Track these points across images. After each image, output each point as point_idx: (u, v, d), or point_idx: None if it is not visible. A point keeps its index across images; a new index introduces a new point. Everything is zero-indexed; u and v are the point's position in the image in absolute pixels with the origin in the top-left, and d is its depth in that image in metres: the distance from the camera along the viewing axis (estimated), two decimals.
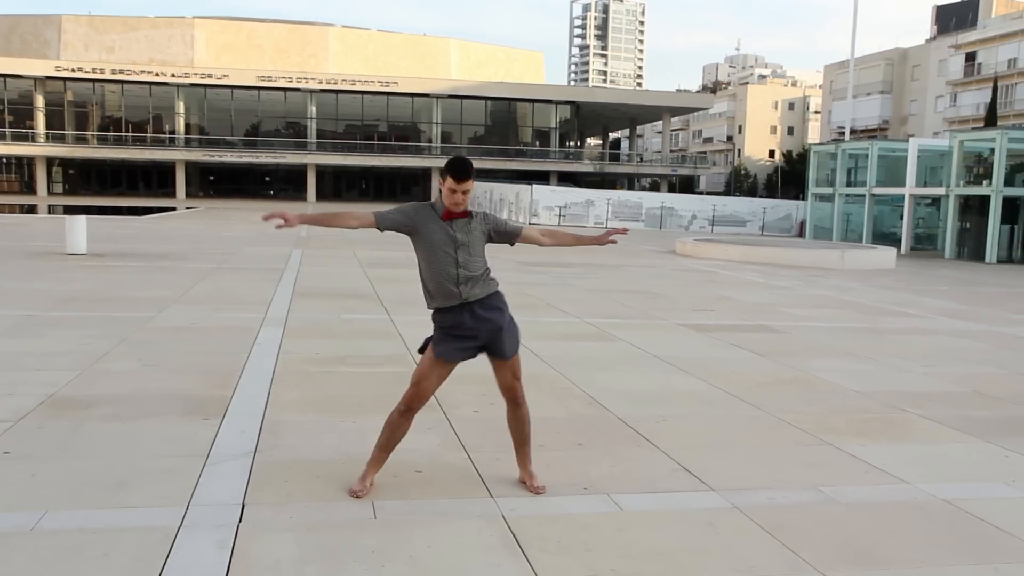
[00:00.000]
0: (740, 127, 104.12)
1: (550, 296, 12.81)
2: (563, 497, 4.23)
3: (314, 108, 62.72)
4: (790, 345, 9.27)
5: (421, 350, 4.25)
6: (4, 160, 64.45)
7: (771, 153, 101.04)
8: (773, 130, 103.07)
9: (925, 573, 3.57)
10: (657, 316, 11.14)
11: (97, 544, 3.50)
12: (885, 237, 34.43)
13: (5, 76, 59.15)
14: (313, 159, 61.67)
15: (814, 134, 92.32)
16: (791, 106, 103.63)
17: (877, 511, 4.27)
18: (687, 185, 73.70)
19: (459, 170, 4.00)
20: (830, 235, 36.25)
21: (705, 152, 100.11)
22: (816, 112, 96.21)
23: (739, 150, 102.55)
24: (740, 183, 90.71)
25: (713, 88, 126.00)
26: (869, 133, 63.89)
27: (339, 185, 67.26)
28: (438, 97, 63.50)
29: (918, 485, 4.67)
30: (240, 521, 3.75)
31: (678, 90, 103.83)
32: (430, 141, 64.89)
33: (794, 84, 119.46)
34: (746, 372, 7.64)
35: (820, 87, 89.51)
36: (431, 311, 4.22)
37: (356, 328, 9.17)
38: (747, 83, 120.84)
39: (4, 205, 45.21)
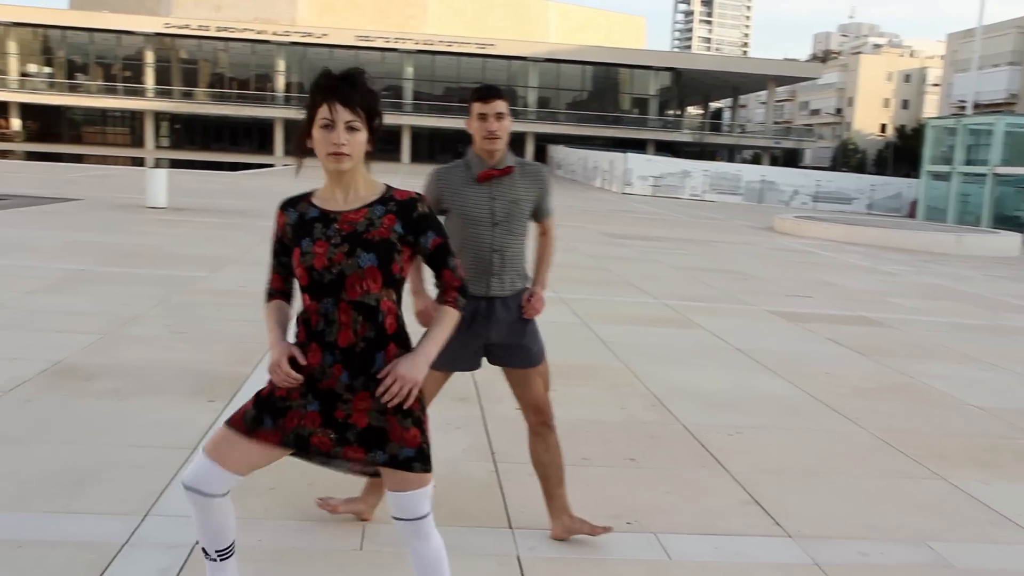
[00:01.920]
0: (850, 99, 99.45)
1: (631, 272, 11.90)
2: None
3: (411, 69, 62.51)
4: (896, 343, 8.16)
5: None
6: (117, 114, 66.69)
7: (883, 128, 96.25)
8: (886, 103, 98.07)
9: None
10: (745, 300, 10.12)
11: (14, 563, 2.89)
12: (1007, 221, 31.84)
13: (119, 32, 60.81)
14: (408, 120, 61.51)
15: (931, 108, 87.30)
16: (907, 78, 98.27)
17: None
18: (790, 159, 70.75)
19: (485, 89, 3.18)
20: (944, 217, 33.85)
21: (811, 125, 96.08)
22: (935, 84, 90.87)
23: (848, 123, 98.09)
24: (847, 158, 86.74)
25: (823, 58, 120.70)
26: (994, 108, 59.74)
27: (434, 147, 67.11)
28: (535, 60, 62.37)
29: None
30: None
31: (785, 59, 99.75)
32: (526, 105, 63.88)
33: (911, 54, 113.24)
34: (842, 374, 6.63)
35: (941, 57, 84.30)
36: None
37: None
38: (860, 53, 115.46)
39: (113, 157, 46.51)
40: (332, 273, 2.19)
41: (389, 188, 2.35)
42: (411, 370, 2.23)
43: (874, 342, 8.06)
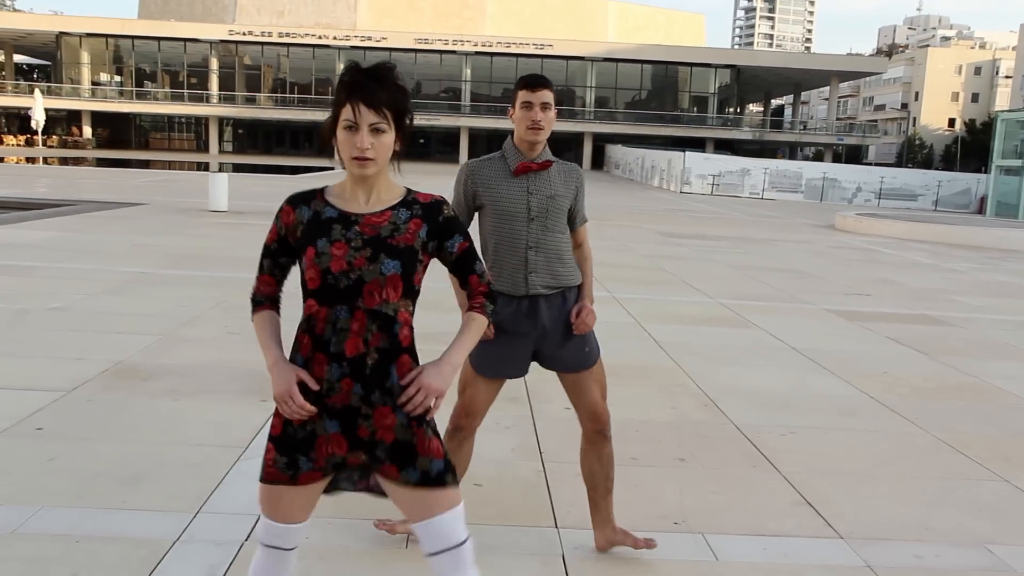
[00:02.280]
0: (916, 94, 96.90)
1: (687, 272, 11.77)
2: (644, 534, 3.38)
3: (469, 71, 62.83)
4: (960, 342, 7.93)
5: None
6: (183, 120, 68.45)
7: (951, 122, 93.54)
8: (955, 97, 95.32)
9: None
10: (803, 299, 9.93)
11: (72, 559, 2.98)
12: None
13: (185, 40, 62.35)
14: (466, 122, 61.84)
15: (1003, 101, 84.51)
16: (977, 70, 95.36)
17: None
18: (854, 155, 69.22)
19: (531, 77, 3.05)
20: (1016, 213, 32.76)
21: (876, 120, 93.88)
22: (1007, 77, 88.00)
23: (914, 118, 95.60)
24: (914, 154, 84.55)
25: (888, 52, 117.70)
26: None
27: (491, 148, 66.93)
28: (593, 60, 62.16)
29: None
30: (247, 539, 3.15)
31: (849, 54, 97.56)
32: (584, 105, 63.70)
33: (982, 46, 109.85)
34: (902, 374, 6.46)
35: (1013, 49, 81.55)
36: None
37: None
38: (927, 46, 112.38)
39: (180, 162, 47.78)
40: (350, 278, 2.01)
41: (410, 191, 2.16)
42: (437, 379, 2.06)
43: (937, 341, 7.83)
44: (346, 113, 2.00)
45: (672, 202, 30.35)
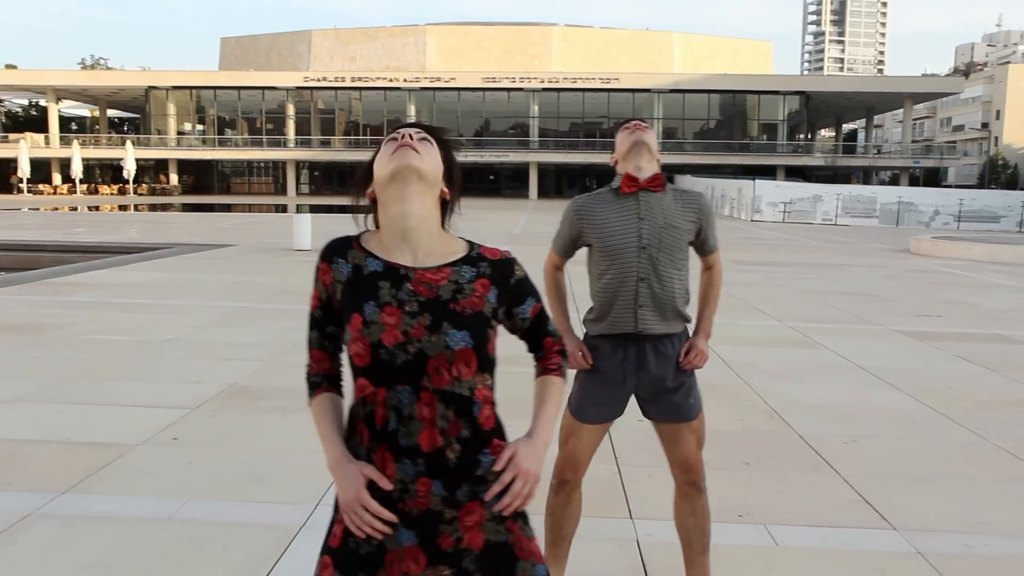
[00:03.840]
0: (998, 112, 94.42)
1: (756, 297, 12.02)
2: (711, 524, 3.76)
3: (536, 107, 63.88)
4: None
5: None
6: (262, 164, 71.13)
7: None
8: None
9: None
10: (872, 321, 10.10)
11: (221, 538, 3.52)
12: None
13: (264, 88, 65.03)
14: (535, 157, 62.78)
15: None
16: None
17: None
18: (931, 178, 67.76)
19: (631, 123, 2.88)
20: None
21: (954, 142, 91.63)
22: None
23: (996, 138, 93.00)
24: (996, 175, 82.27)
25: (965, 71, 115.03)
26: None
27: (560, 182, 68.15)
28: (659, 92, 62.56)
29: None
30: None
31: (924, 75, 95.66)
32: None
33: None
34: (967, 389, 6.66)
35: None
36: (585, 332, 2.98)
37: None
38: (1008, 63, 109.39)
39: (260, 204, 49.75)
40: (408, 352, 1.63)
41: (473, 244, 1.80)
42: (534, 463, 1.71)
43: (1006, 358, 7.96)
44: (387, 139, 1.77)
45: (742, 230, 30.38)
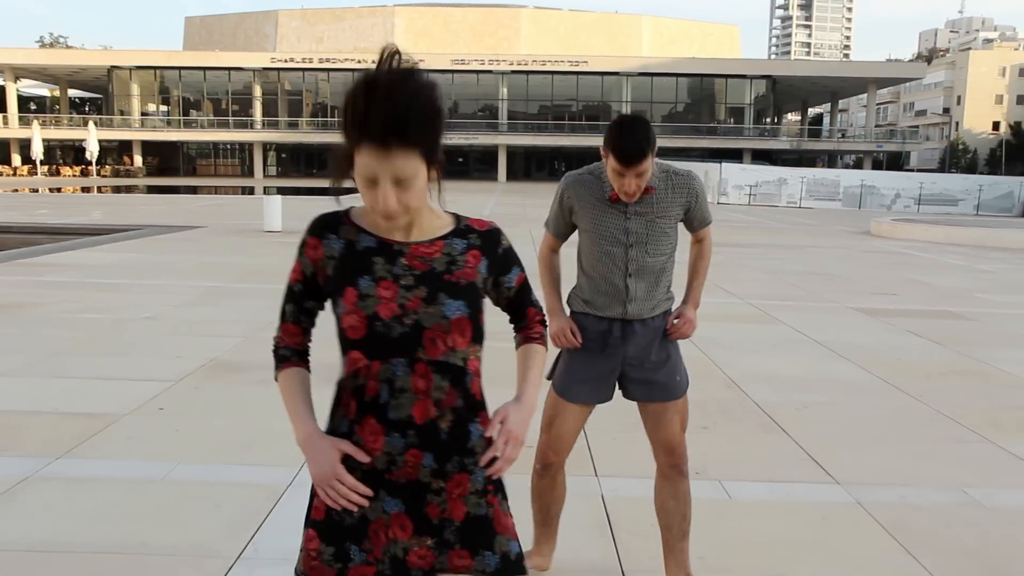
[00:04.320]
0: (959, 98, 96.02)
1: (719, 276, 12.35)
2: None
3: (505, 89, 63.92)
4: (977, 334, 8.45)
5: (550, 376, 2.96)
6: (228, 146, 70.51)
7: (995, 125, 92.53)
8: (999, 99, 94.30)
9: None
10: (829, 299, 10.50)
11: (213, 496, 3.76)
12: None
13: (229, 69, 64.37)
14: (504, 140, 62.89)
15: None
16: (1021, 71, 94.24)
17: None
18: (895, 162, 68.89)
19: (627, 149, 2.60)
20: None
21: (917, 126, 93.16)
22: None
23: (956, 123, 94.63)
24: (957, 159, 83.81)
25: (928, 57, 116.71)
26: None
27: (529, 165, 68.37)
28: (628, 75, 62.87)
29: None
30: None
31: (888, 60, 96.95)
32: None
33: None
34: (914, 361, 7.05)
35: None
36: (569, 308, 2.97)
37: None
38: (969, 49, 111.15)
39: (226, 187, 49.41)
40: (404, 325, 1.63)
41: (459, 217, 1.81)
42: (522, 427, 1.73)
43: (954, 334, 8.37)
44: (363, 160, 1.62)
45: None
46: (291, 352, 1.78)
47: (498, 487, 1.75)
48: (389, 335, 1.63)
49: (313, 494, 1.73)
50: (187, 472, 4.04)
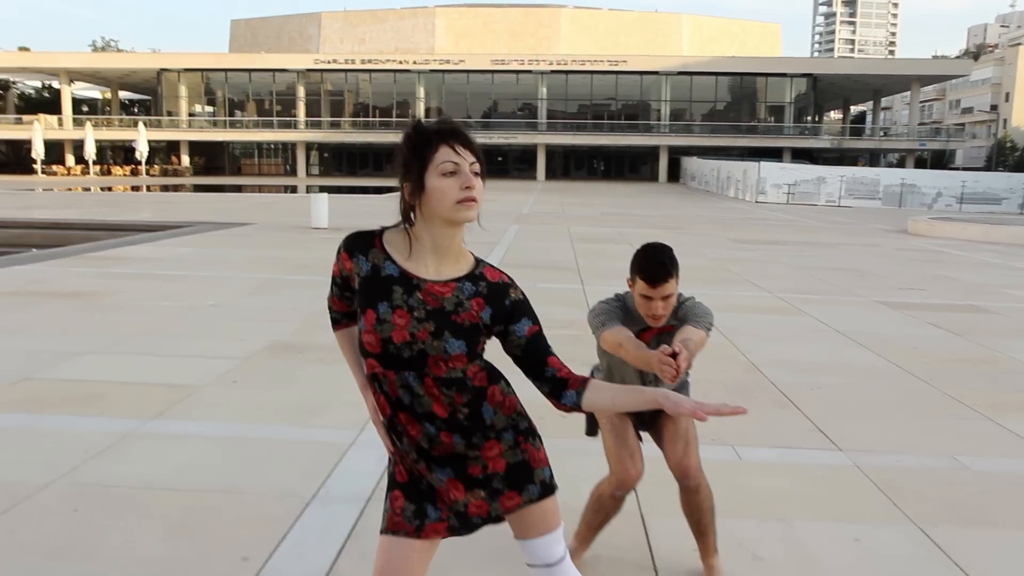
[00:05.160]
0: (1007, 94, 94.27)
1: (752, 272, 12.77)
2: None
3: (545, 89, 64.34)
4: (996, 326, 8.78)
5: (590, 432, 3.41)
6: (272, 146, 71.88)
7: None
8: None
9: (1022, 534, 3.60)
10: (856, 293, 10.86)
11: (287, 450, 4.34)
12: None
13: (274, 71, 65.66)
14: (543, 139, 63.34)
15: None
16: None
17: (1007, 481, 4.25)
18: (939, 161, 68.07)
19: (652, 267, 2.80)
20: None
21: (963, 124, 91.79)
22: None
23: (1005, 120, 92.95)
24: (1004, 157, 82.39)
25: (976, 53, 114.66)
26: None
27: (568, 164, 68.74)
28: (667, 74, 62.96)
29: None
30: None
31: (934, 56, 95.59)
32: (659, 119, 64.58)
33: None
34: (930, 349, 7.44)
35: None
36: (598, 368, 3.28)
37: (548, 296, 9.75)
38: (1019, 44, 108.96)
39: (270, 186, 50.55)
40: (412, 350, 1.91)
41: (479, 262, 2.03)
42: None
43: (973, 326, 8.71)
44: (443, 156, 1.90)
45: (746, 211, 31.05)
46: (340, 315, 2.19)
47: (527, 434, 2.06)
48: (400, 355, 1.91)
49: (393, 463, 2.08)
50: (263, 432, 4.63)
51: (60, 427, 4.62)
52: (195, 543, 3.30)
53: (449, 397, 1.95)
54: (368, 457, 4.26)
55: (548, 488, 2.08)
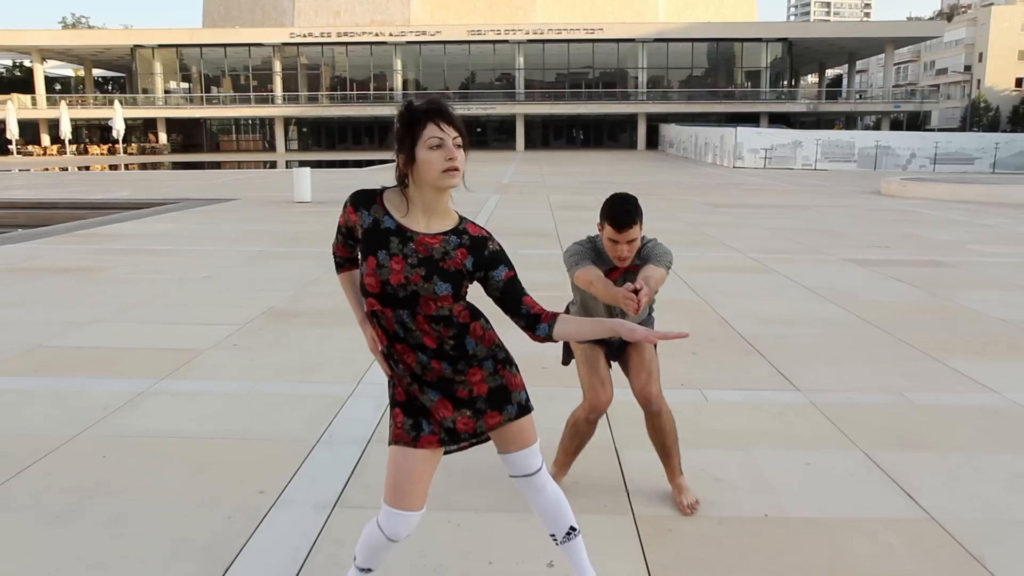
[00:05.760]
0: (980, 55, 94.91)
1: (725, 235, 13.19)
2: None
3: (522, 59, 64.27)
4: (954, 279, 9.24)
5: (565, 362, 3.78)
6: (249, 121, 71.51)
7: (1018, 82, 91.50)
8: (1022, 56, 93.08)
9: (955, 455, 4.04)
10: (825, 252, 11.30)
11: (290, 402, 4.72)
12: None
13: (249, 45, 65.15)
14: (521, 109, 63.37)
15: None
16: None
17: (948, 412, 4.69)
18: (915, 122, 68.71)
19: (618, 214, 3.17)
20: None
21: (938, 85, 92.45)
22: None
23: (979, 81, 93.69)
24: (979, 117, 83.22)
25: (949, 14, 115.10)
26: None
27: (547, 134, 68.85)
28: (643, 41, 63.02)
29: (1005, 394, 4.99)
30: None
31: (908, 18, 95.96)
32: (636, 86, 64.73)
33: None
34: (890, 301, 7.88)
35: None
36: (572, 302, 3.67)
37: (529, 261, 10.13)
38: (991, 4, 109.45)
39: (249, 161, 50.47)
40: (407, 290, 2.26)
41: (462, 219, 2.39)
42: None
43: (933, 279, 9.17)
44: (430, 132, 2.24)
45: (723, 177, 31.47)
46: (343, 260, 2.52)
47: (505, 362, 2.44)
48: (396, 295, 2.27)
49: (392, 385, 2.43)
50: (266, 388, 5.00)
51: (79, 388, 4.97)
52: (216, 480, 3.68)
53: (437, 331, 2.32)
54: (366, 407, 4.64)
55: (524, 409, 2.46)
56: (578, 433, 3.59)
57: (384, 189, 2.37)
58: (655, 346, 3.58)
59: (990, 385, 5.17)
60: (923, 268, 9.93)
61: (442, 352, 2.35)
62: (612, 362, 3.64)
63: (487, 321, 2.44)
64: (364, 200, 2.35)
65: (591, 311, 3.51)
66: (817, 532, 3.25)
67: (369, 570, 2.55)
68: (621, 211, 3.15)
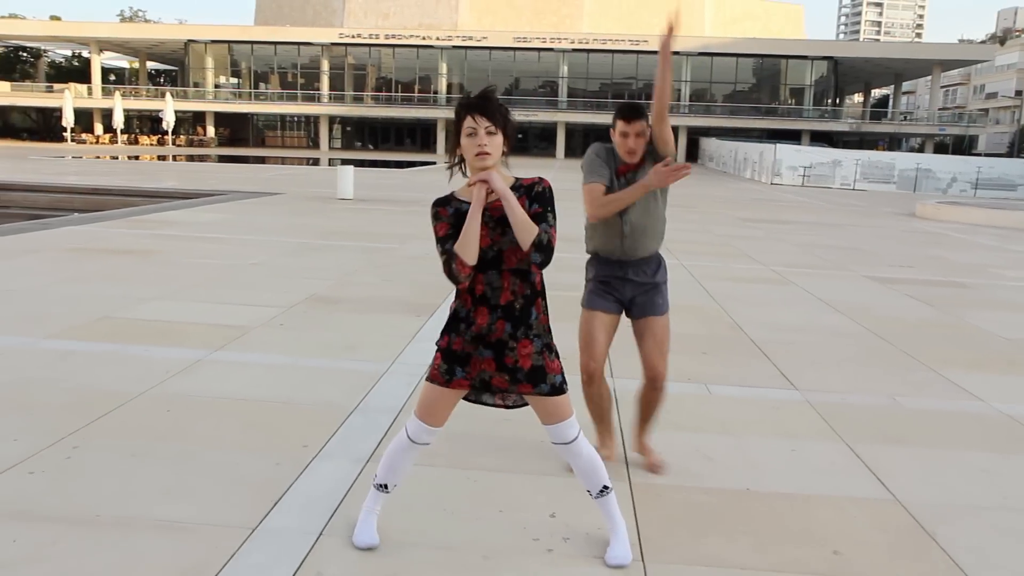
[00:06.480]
0: None
1: (752, 248, 13.53)
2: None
3: (566, 68, 64.83)
4: (969, 300, 9.53)
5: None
6: (295, 118, 72.81)
7: None
8: None
9: (931, 451, 4.43)
10: (848, 268, 11.61)
11: (332, 374, 5.23)
12: None
13: (298, 44, 66.44)
14: (563, 117, 63.92)
15: None
16: None
17: (932, 415, 5.07)
18: (961, 146, 68.00)
19: (627, 109, 3.64)
20: None
21: (987, 109, 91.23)
22: None
23: None
24: None
25: (1003, 37, 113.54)
26: None
27: (587, 142, 69.05)
28: (688, 55, 63.20)
29: (992, 403, 5.35)
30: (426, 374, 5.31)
31: (960, 41, 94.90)
32: (679, 99, 64.88)
33: None
34: (900, 317, 8.21)
35: None
36: (587, 254, 3.97)
37: (559, 263, 10.58)
38: None
39: (293, 157, 51.48)
40: (494, 250, 2.78)
41: (518, 179, 2.87)
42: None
43: (948, 298, 9.47)
44: (467, 123, 2.74)
45: (760, 192, 31.67)
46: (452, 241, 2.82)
47: (549, 348, 2.90)
48: (486, 257, 2.80)
49: (442, 336, 2.91)
50: (309, 362, 5.52)
51: (142, 354, 5.53)
52: (266, 434, 4.19)
53: (515, 286, 2.83)
54: (399, 383, 5.14)
55: (557, 390, 2.91)
56: (589, 399, 3.90)
57: (452, 192, 2.89)
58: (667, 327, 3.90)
59: (980, 395, 5.53)
60: (942, 288, 10.22)
61: (510, 312, 2.83)
62: (632, 320, 3.89)
63: (547, 307, 2.94)
64: (443, 200, 2.86)
65: (603, 234, 3.82)
66: (791, 504, 3.68)
67: (384, 486, 3.06)
68: (630, 105, 3.64)
